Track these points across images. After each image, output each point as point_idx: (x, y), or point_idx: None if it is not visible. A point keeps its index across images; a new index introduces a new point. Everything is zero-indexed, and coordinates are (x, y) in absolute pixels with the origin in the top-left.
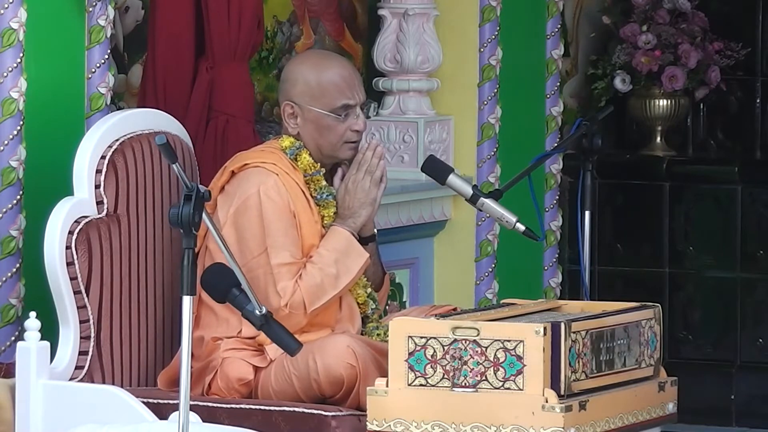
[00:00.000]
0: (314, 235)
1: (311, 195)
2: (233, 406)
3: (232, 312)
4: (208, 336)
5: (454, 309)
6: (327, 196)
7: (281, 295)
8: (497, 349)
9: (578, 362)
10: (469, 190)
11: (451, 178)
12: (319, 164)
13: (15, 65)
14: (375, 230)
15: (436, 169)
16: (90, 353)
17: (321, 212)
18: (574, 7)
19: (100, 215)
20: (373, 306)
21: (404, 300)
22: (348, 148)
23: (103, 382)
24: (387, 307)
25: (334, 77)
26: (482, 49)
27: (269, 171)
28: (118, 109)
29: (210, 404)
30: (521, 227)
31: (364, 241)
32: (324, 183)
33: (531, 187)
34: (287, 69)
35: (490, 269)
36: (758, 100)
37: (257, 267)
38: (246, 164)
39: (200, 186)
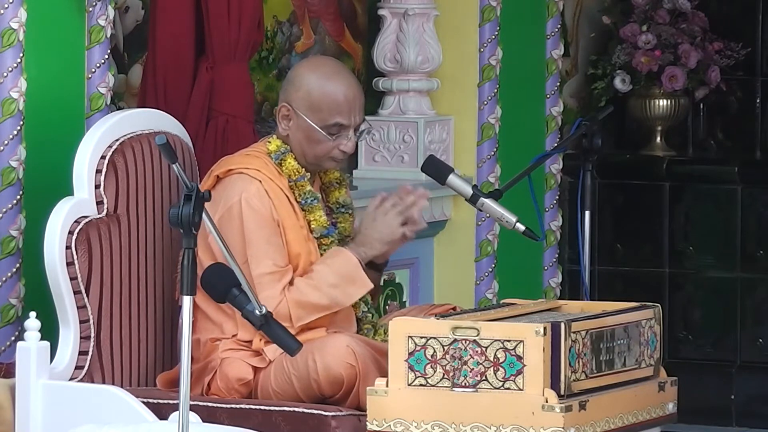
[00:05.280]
0: (300, 240)
1: (296, 200)
2: (233, 406)
3: (226, 316)
4: (205, 338)
5: (453, 308)
6: (312, 200)
7: (264, 305)
8: (497, 349)
9: (578, 362)
10: (469, 190)
11: (451, 178)
12: (303, 169)
13: (15, 65)
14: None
15: (436, 169)
16: (90, 353)
17: (306, 217)
18: (574, 7)
19: (100, 215)
20: (365, 309)
21: (404, 300)
22: (331, 162)
23: (103, 382)
24: (387, 307)
25: (336, 95)
26: (482, 49)
27: (252, 177)
28: (118, 109)
29: (210, 404)
30: (521, 227)
31: (377, 267)
32: (309, 188)
33: (531, 187)
34: (295, 71)
35: (490, 269)
36: (758, 100)
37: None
38: (230, 170)
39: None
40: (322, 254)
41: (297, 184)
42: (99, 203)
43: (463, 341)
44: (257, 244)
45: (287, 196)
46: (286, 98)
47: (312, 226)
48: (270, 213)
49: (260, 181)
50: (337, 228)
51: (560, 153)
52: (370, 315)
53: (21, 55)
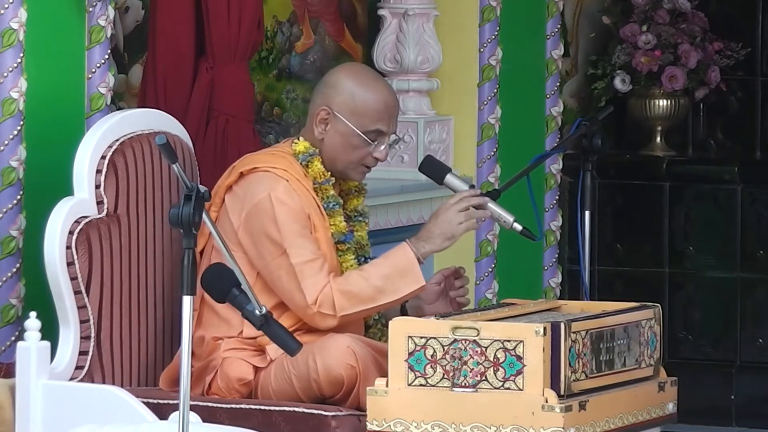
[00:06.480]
0: (327, 241)
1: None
2: (233, 406)
3: (234, 312)
4: (209, 335)
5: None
6: (334, 205)
7: (307, 293)
8: (497, 349)
9: (578, 362)
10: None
11: (449, 178)
12: (329, 173)
13: (15, 65)
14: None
15: (434, 169)
16: (90, 353)
17: (328, 220)
18: (574, 7)
19: (100, 215)
20: (376, 316)
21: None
22: (361, 171)
23: (103, 382)
24: None
25: (378, 101)
26: (482, 49)
27: (279, 176)
28: (118, 109)
29: (210, 404)
30: (518, 227)
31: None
32: (332, 192)
33: (529, 187)
34: (335, 76)
35: (490, 269)
36: (758, 100)
37: (279, 268)
38: (256, 167)
39: (200, 186)
40: (338, 259)
41: (321, 188)
42: (99, 203)
43: (463, 341)
44: (292, 235)
45: (313, 198)
46: (326, 102)
47: (331, 230)
48: (301, 208)
49: (287, 180)
50: (354, 236)
51: (559, 153)
52: (380, 324)
53: (21, 55)
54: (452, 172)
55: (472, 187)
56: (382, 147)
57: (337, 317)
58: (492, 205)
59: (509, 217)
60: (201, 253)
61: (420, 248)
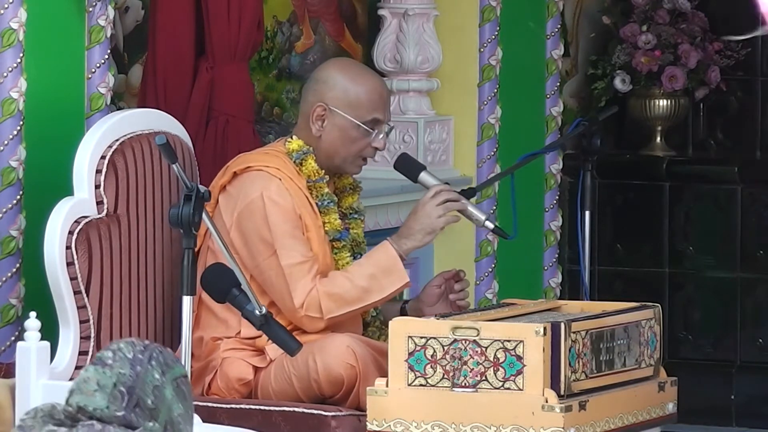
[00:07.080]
0: (319, 240)
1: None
2: (233, 406)
3: (231, 312)
4: (208, 336)
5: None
6: (328, 203)
7: (295, 296)
8: (497, 349)
9: (578, 362)
10: None
11: (423, 176)
12: (323, 171)
13: (15, 65)
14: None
15: (409, 167)
16: (90, 353)
17: (322, 218)
18: (574, 7)
19: (100, 215)
20: (374, 313)
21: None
22: (359, 165)
23: None
24: None
25: (372, 91)
26: (482, 49)
27: (272, 175)
28: (118, 109)
29: (210, 404)
30: (490, 225)
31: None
32: (326, 190)
33: (512, 186)
34: (325, 72)
35: (490, 269)
36: (758, 100)
37: (268, 269)
38: (249, 167)
39: (200, 186)
40: (334, 257)
41: (315, 186)
42: (99, 203)
43: (463, 341)
44: (283, 236)
45: (306, 196)
46: (320, 98)
47: (326, 228)
48: (293, 208)
49: (280, 179)
50: (350, 234)
51: (545, 153)
52: (379, 321)
53: (21, 55)
54: (427, 170)
55: (446, 185)
56: (381, 136)
57: (324, 320)
58: (465, 203)
59: (481, 216)
60: (197, 253)
61: (402, 245)
